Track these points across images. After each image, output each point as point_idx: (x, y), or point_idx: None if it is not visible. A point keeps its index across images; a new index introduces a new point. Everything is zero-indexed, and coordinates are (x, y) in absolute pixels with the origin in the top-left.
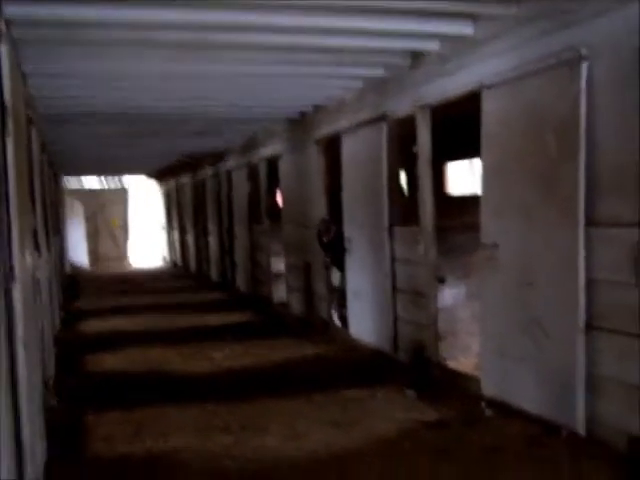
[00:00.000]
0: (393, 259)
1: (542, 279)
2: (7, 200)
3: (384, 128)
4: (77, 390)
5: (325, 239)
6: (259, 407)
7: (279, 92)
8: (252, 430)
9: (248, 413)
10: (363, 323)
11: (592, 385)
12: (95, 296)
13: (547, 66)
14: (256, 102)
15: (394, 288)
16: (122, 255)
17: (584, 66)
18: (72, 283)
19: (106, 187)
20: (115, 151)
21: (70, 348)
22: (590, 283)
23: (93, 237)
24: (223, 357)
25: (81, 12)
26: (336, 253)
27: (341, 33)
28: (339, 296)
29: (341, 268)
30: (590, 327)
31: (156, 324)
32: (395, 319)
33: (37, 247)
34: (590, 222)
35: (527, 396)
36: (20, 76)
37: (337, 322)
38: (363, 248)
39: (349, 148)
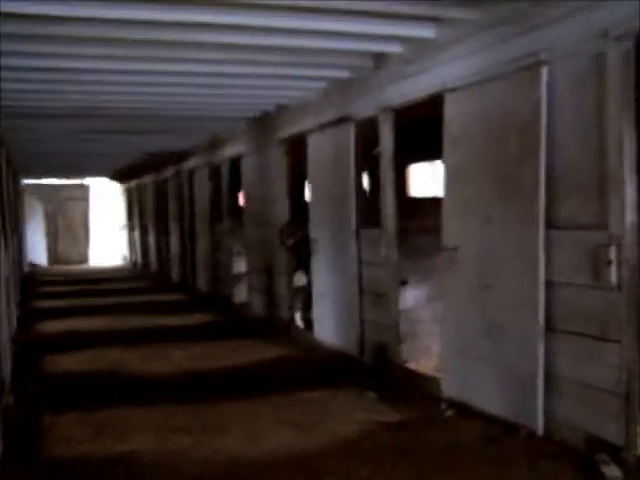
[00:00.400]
0: (360, 261)
1: (503, 281)
2: None
3: (351, 129)
4: (35, 391)
5: (290, 241)
6: (219, 409)
7: (241, 91)
8: (212, 431)
9: (208, 415)
10: (328, 325)
11: (551, 386)
12: (54, 296)
13: (508, 70)
14: (218, 101)
15: (360, 290)
16: (82, 254)
17: (544, 71)
18: (30, 282)
19: (66, 183)
20: (77, 149)
21: (28, 349)
22: (549, 285)
23: (52, 236)
24: (183, 358)
25: (44, 7)
26: (301, 255)
27: (303, 34)
28: (303, 298)
29: (306, 270)
30: (549, 329)
31: (116, 325)
32: (361, 321)
33: None
34: (550, 224)
35: (487, 397)
36: None
37: (300, 324)
38: (329, 250)
39: (315, 149)
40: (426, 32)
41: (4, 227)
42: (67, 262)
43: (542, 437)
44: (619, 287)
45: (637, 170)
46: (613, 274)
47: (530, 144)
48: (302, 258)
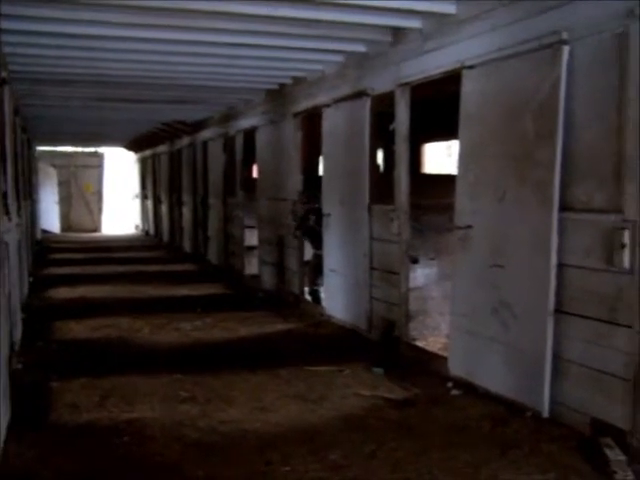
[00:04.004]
0: (371, 237)
1: (514, 261)
2: None
3: (367, 104)
4: (44, 356)
5: (300, 214)
6: (226, 380)
7: (258, 63)
8: (218, 402)
9: (215, 385)
10: (337, 300)
11: (558, 368)
12: (65, 263)
13: (528, 49)
14: (235, 72)
15: (371, 266)
16: (94, 222)
17: (565, 50)
18: (42, 249)
19: (80, 150)
20: (92, 117)
21: (38, 314)
22: (561, 268)
23: (65, 203)
24: (192, 328)
25: None
26: (311, 229)
27: (322, 5)
28: (311, 272)
29: (315, 244)
30: (559, 311)
31: (126, 293)
32: (371, 297)
33: (7, 211)
34: (564, 206)
35: (494, 377)
36: None
37: (308, 298)
38: (341, 225)
39: (330, 123)
40: (447, 7)
41: (17, 193)
42: (79, 230)
43: (547, 419)
44: (631, 271)
45: None
46: (626, 258)
47: (547, 124)
48: (312, 232)
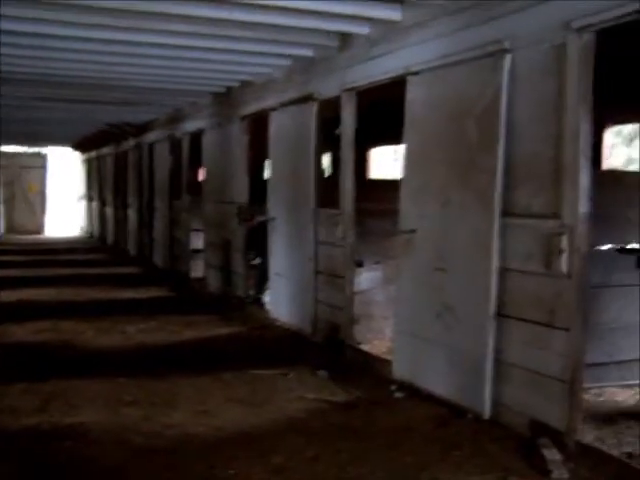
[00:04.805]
0: (316, 241)
1: (457, 266)
2: None
3: (314, 108)
4: None
5: (247, 225)
6: (170, 384)
7: (205, 65)
8: (161, 406)
9: (158, 389)
10: (282, 303)
11: (499, 371)
12: (7, 265)
13: (471, 56)
14: (182, 74)
15: (316, 270)
16: (38, 223)
17: (507, 58)
18: None
19: (23, 151)
20: (36, 116)
21: None
22: (502, 272)
23: (8, 204)
24: (136, 332)
25: None
26: (258, 238)
27: (270, 10)
28: (256, 279)
29: (261, 252)
30: (500, 315)
31: (70, 296)
32: (315, 301)
33: None
34: (505, 211)
35: (436, 380)
36: None
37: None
38: (287, 229)
39: (276, 127)
40: (393, 14)
41: None
42: (23, 232)
43: (488, 421)
44: (569, 276)
45: (591, 161)
46: (564, 263)
47: (489, 131)
48: (258, 240)
